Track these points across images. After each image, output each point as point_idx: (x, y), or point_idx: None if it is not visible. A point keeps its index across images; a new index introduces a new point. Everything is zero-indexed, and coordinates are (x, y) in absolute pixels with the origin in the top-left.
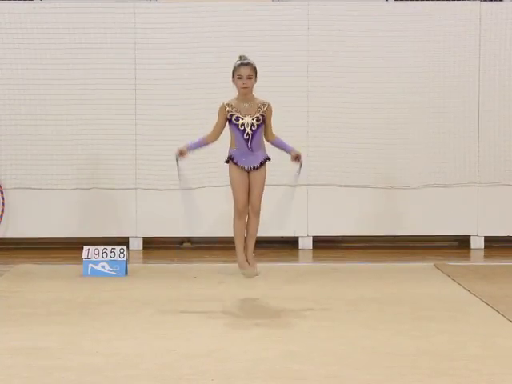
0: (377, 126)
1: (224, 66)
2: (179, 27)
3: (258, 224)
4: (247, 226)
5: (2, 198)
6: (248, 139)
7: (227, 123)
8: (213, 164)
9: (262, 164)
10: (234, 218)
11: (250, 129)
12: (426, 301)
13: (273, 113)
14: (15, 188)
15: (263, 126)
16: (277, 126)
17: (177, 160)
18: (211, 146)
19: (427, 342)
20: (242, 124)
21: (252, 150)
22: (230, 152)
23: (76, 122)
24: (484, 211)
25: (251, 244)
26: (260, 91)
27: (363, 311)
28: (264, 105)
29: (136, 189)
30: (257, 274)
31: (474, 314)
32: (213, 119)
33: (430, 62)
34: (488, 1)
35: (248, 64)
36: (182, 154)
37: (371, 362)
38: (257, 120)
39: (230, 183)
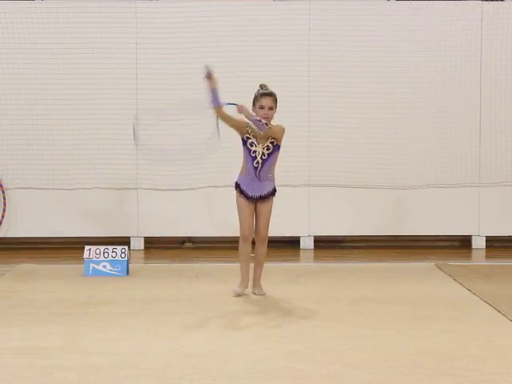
0: (378, 127)
1: (225, 66)
2: (180, 27)
3: (265, 252)
4: (254, 254)
5: (4, 198)
6: (257, 167)
7: (242, 142)
8: (215, 164)
9: (269, 196)
10: (240, 243)
11: (261, 157)
12: (427, 300)
13: (281, 132)
14: (17, 188)
15: (274, 156)
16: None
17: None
18: (212, 147)
19: (428, 341)
20: (254, 151)
21: (260, 180)
22: (238, 178)
23: (77, 122)
24: (485, 211)
25: (258, 271)
26: None
27: (364, 311)
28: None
29: (137, 189)
30: (262, 295)
31: (475, 313)
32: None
33: (431, 62)
34: (489, 0)
35: (271, 95)
36: (210, 77)
37: (372, 362)
38: (267, 149)
39: (236, 208)
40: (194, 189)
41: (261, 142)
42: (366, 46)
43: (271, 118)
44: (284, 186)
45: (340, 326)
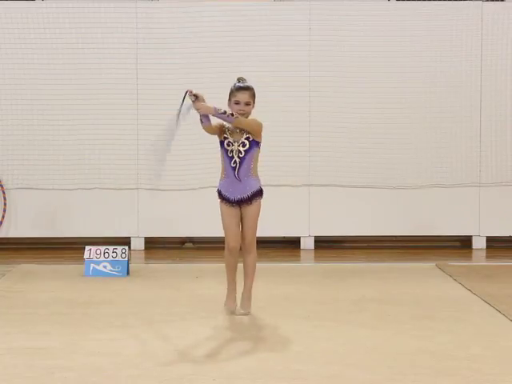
0: (378, 126)
1: (225, 66)
2: (180, 27)
3: (253, 262)
4: (243, 265)
5: (4, 198)
6: (235, 167)
7: (219, 146)
8: (214, 164)
9: (254, 197)
10: (225, 254)
11: (238, 156)
12: (427, 301)
13: (261, 127)
14: (17, 188)
15: (252, 152)
16: (278, 126)
17: (184, 97)
18: (213, 147)
19: (429, 341)
20: (231, 151)
21: (240, 180)
22: (219, 184)
23: (77, 122)
24: (486, 211)
25: (247, 284)
26: (261, 91)
27: (365, 311)
28: None
29: (138, 189)
30: (246, 314)
31: (475, 313)
32: (213, 119)
33: (431, 62)
34: (490, 1)
35: (247, 89)
36: (198, 96)
37: (373, 362)
38: (243, 145)
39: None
40: (195, 189)
41: (237, 140)
42: (367, 45)
43: (248, 114)
44: (284, 186)
45: (340, 327)
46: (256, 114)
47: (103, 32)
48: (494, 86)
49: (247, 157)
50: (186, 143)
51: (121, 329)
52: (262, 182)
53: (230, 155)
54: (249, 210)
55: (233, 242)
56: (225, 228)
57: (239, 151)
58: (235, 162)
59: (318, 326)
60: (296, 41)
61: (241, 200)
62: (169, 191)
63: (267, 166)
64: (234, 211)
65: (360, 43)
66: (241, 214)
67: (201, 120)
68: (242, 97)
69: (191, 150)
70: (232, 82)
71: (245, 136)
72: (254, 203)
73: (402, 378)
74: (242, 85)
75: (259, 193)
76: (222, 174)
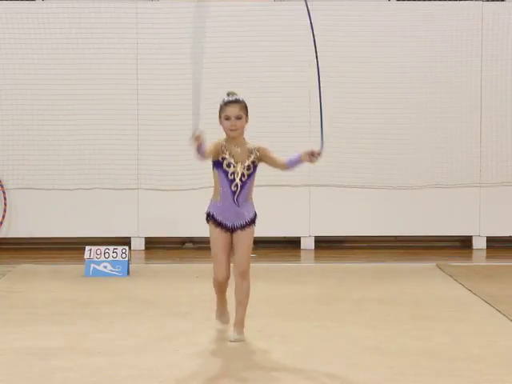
0: (378, 127)
1: (226, 67)
2: (181, 27)
3: (247, 290)
4: (235, 294)
5: (4, 199)
6: (236, 191)
7: (212, 166)
8: None
9: (249, 224)
10: (213, 281)
11: (240, 179)
12: (427, 301)
13: (269, 149)
14: (17, 188)
15: (253, 176)
16: (278, 126)
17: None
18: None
19: (429, 342)
20: (233, 173)
21: (238, 205)
22: (210, 206)
23: (78, 123)
24: (486, 211)
25: (240, 312)
26: (262, 92)
27: (365, 311)
28: (255, 149)
29: (138, 189)
30: (241, 340)
31: (475, 314)
32: (214, 119)
33: (431, 62)
34: (490, 1)
35: (236, 102)
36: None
37: (373, 362)
38: (247, 169)
39: (210, 245)
40: (195, 189)
41: (240, 162)
42: (367, 46)
43: (241, 129)
44: (285, 186)
45: (340, 327)
46: (256, 114)
47: (103, 32)
48: (495, 86)
49: (249, 181)
50: (184, 143)
51: (121, 329)
52: (263, 182)
53: (231, 178)
54: (243, 236)
55: (222, 277)
56: (214, 257)
57: (243, 174)
58: (236, 185)
59: (318, 326)
60: (296, 41)
61: (237, 227)
62: (169, 191)
63: (268, 167)
64: (226, 238)
65: (360, 43)
66: (233, 240)
67: (197, 151)
68: (232, 111)
69: (191, 150)
70: (232, 81)
71: (251, 159)
72: (248, 229)
73: (402, 378)
74: (231, 98)
75: (255, 218)
76: (215, 195)
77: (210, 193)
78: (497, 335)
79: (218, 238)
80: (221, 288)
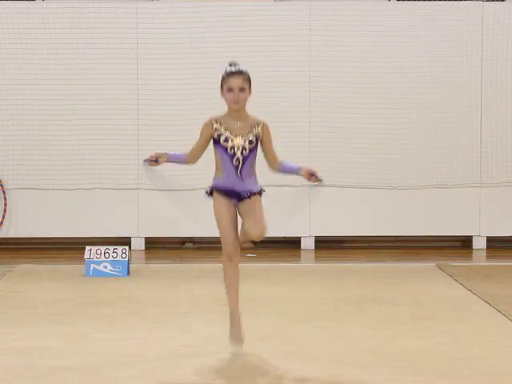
0: (379, 127)
1: (225, 66)
2: (180, 27)
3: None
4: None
5: (5, 199)
6: (238, 166)
7: (212, 144)
8: (214, 164)
9: (254, 194)
10: (224, 263)
11: (241, 153)
12: (428, 301)
13: (271, 133)
14: (17, 188)
15: (256, 151)
16: (278, 126)
17: (145, 163)
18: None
19: (429, 342)
20: (232, 147)
21: (242, 179)
22: (214, 182)
23: (78, 123)
24: (486, 212)
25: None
26: (263, 92)
27: (365, 311)
28: (258, 124)
29: (138, 189)
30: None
31: (475, 314)
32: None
33: (432, 62)
34: (490, 1)
35: (240, 73)
36: (158, 158)
37: (373, 363)
38: (249, 143)
39: (215, 219)
40: (195, 189)
41: (239, 135)
42: (367, 46)
43: (244, 102)
44: (285, 186)
45: (340, 327)
46: (256, 113)
47: (103, 32)
48: (495, 86)
49: (251, 155)
50: (185, 143)
51: (121, 329)
52: (263, 182)
53: (231, 152)
54: (251, 201)
55: (233, 249)
56: (222, 232)
57: (244, 148)
58: (238, 159)
59: (318, 326)
60: (296, 41)
61: (241, 194)
62: (169, 191)
63: (268, 167)
64: (231, 208)
65: (360, 43)
66: (240, 213)
67: (178, 162)
68: (235, 82)
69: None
70: None
71: (254, 133)
72: (256, 197)
73: (403, 378)
74: (233, 69)
75: (261, 191)
76: (217, 173)
77: None
78: (497, 335)
79: (221, 208)
80: (233, 272)
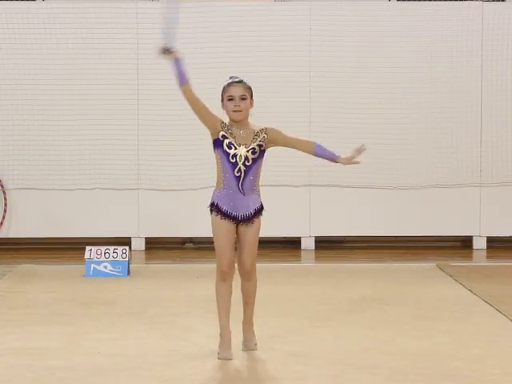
0: (379, 127)
1: (226, 66)
2: (180, 27)
3: (254, 289)
4: (242, 293)
5: (5, 199)
6: (239, 177)
7: (213, 149)
8: (214, 164)
9: (256, 215)
10: (217, 281)
11: (244, 163)
12: (428, 301)
13: (279, 129)
14: (17, 188)
15: (260, 162)
16: (279, 125)
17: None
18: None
19: (429, 342)
20: (234, 155)
21: (244, 193)
22: (213, 196)
23: (78, 123)
24: (486, 212)
25: (248, 313)
26: (263, 92)
27: (365, 311)
28: (261, 131)
29: (138, 189)
30: (255, 348)
31: (475, 314)
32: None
33: (432, 62)
34: (490, 1)
35: (240, 82)
36: (173, 50)
37: (373, 362)
38: (252, 152)
39: (212, 234)
40: (195, 189)
41: (243, 144)
42: (367, 45)
43: (246, 111)
44: (285, 186)
45: (341, 327)
46: (256, 113)
47: (103, 32)
48: (495, 85)
49: (254, 166)
50: (185, 143)
51: (121, 329)
52: (263, 182)
53: (233, 161)
54: (249, 230)
55: (227, 267)
56: (218, 249)
57: (246, 158)
58: (239, 170)
59: (318, 326)
60: (296, 41)
61: (242, 218)
62: (169, 191)
63: (268, 166)
64: (231, 230)
65: (360, 43)
66: (237, 235)
67: (177, 79)
68: (236, 90)
69: (191, 151)
70: None
71: (257, 142)
72: (255, 222)
73: (403, 378)
74: (233, 79)
75: (261, 210)
76: (219, 183)
77: (209, 193)
78: (497, 335)
79: (221, 227)
80: (226, 290)
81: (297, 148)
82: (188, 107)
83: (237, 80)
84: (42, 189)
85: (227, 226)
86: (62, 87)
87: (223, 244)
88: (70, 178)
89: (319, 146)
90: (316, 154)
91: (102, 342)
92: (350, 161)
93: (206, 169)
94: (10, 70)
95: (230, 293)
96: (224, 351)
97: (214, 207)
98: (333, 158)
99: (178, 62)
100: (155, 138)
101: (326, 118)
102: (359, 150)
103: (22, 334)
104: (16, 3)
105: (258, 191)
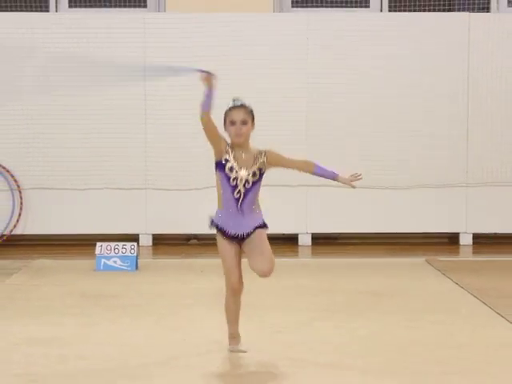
0: (372, 131)
1: (228, 73)
2: (185, 37)
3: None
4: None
5: (21, 198)
6: (239, 198)
7: (215, 169)
8: None
9: (257, 228)
10: (227, 296)
11: (244, 186)
12: (418, 294)
13: (278, 152)
14: (32, 188)
15: (259, 185)
16: (276, 128)
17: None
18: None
19: (419, 331)
20: (235, 178)
21: (243, 214)
22: (216, 217)
23: (88, 127)
24: (472, 210)
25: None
26: (263, 98)
27: (359, 303)
28: (261, 153)
29: (146, 189)
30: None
31: (463, 305)
32: (219, 121)
33: (422, 69)
34: (476, 12)
35: (242, 106)
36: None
37: (367, 351)
38: (253, 175)
39: (219, 254)
40: (199, 189)
41: (244, 167)
42: (362, 54)
43: (247, 136)
44: (283, 186)
45: (336, 318)
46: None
47: (111, 42)
48: (481, 91)
49: (254, 188)
50: (192, 145)
51: (130, 320)
52: (264, 182)
53: (233, 184)
54: (253, 238)
55: (237, 285)
56: (227, 270)
57: (247, 181)
58: (239, 192)
59: (315, 317)
60: (294, 50)
61: (242, 236)
62: (175, 191)
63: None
64: (234, 248)
65: (356, 52)
66: (245, 251)
67: (202, 104)
68: (237, 115)
69: (195, 154)
70: (232, 90)
71: (258, 165)
72: (257, 231)
73: (395, 365)
74: (236, 103)
75: (264, 225)
76: (219, 204)
77: (212, 192)
78: (482, 325)
79: (226, 248)
80: (236, 303)
81: (296, 168)
82: (193, 112)
83: (238, 104)
84: (55, 188)
85: (231, 246)
86: (73, 92)
87: (230, 264)
88: (81, 178)
89: (318, 166)
90: (315, 174)
91: (112, 333)
92: (348, 182)
93: (209, 170)
94: (29, 76)
95: (240, 305)
96: (234, 341)
97: (218, 230)
98: (333, 177)
99: (212, 92)
100: (161, 141)
101: (322, 121)
102: (355, 176)
103: (37, 324)
104: (33, 14)
105: (259, 210)
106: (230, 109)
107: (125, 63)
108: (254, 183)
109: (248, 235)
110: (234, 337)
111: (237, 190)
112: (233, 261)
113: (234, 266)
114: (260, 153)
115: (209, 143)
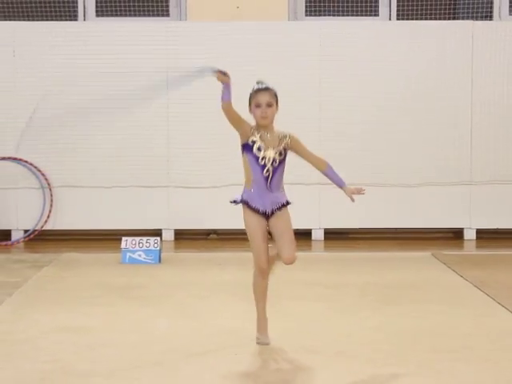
0: (384, 135)
1: (245, 78)
2: (206, 43)
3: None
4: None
5: (51, 195)
6: (268, 176)
7: (241, 152)
8: (235, 164)
9: (283, 206)
10: (255, 276)
11: (272, 164)
12: (424, 286)
13: (301, 141)
14: (61, 186)
15: (284, 163)
16: (289, 128)
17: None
18: (233, 147)
19: (426, 322)
20: (264, 157)
21: (271, 191)
22: (243, 194)
23: (115, 130)
24: (476, 206)
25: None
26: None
27: (369, 295)
28: (285, 137)
29: (168, 187)
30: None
31: (467, 297)
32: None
33: (428, 73)
34: (480, 20)
35: (267, 89)
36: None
37: (376, 340)
38: (279, 154)
39: (247, 232)
40: (217, 187)
41: (271, 147)
42: (372, 60)
43: (272, 118)
44: (299, 184)
45: (347, 308)
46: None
47: (135, 47)
48: (484, 94)
49: (280, 167)
50: (213, 141)
51: (153, 310)
52: None
53: (262, 163)
54: (280, 218)
55: (265, 264)
56: (256, 249)
57: (274, 160)
58: (268, 170)
59: (327, 307)
60: (308, 56)
61: (271, 212)
62: (196, 188)
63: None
64: (262, 225)
65: (365, 59)
66: (271, 229)
67: (222, 96)
68: (263, 98)
69: (213, 153)
70: (246, 98)
71: (283, 145)
72: (284, 209)
73: (403, 353)
74: (261, 86)
75: (288, 203)
76: (248, 183)
77: (231, 190)
78: (485, 316)
79: (253, 223)
80: (264, 283)
81: (310, 162)
82: (216, 113)
83: (263, 87)
84: (83, 186)
85: (259, 224)
86: (100, 96)
87: (259, 244)
88: (107, 176)
89: (331, 168)
90: (325, 174)
91: (136, 321)
92: (349, 194)
93: (228, 169)
94: (57, 83)
95: (267, 285)
96: (262, 336)
97: (245, 203)
98: (339, 184)
99: (228, 87)
100: (183, 141)
101: (335, 124)
102: (358, 190)
103: (67, 314)
104: (58, 23)
105: (283, 189)
106: (256, 92)
107: (149, 79)
108: (280, 162)
109: (273, 212)
110: (261, 320)
111: (266, 169)
112: (261, 239)
113: (263, 244)
114: (284, 135)
115: (233, 129)
